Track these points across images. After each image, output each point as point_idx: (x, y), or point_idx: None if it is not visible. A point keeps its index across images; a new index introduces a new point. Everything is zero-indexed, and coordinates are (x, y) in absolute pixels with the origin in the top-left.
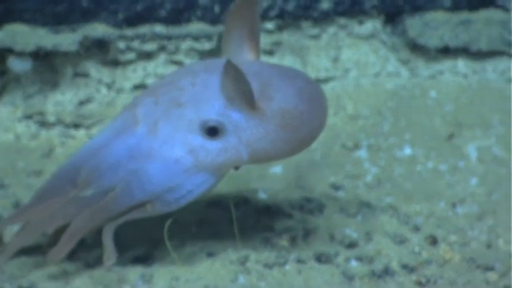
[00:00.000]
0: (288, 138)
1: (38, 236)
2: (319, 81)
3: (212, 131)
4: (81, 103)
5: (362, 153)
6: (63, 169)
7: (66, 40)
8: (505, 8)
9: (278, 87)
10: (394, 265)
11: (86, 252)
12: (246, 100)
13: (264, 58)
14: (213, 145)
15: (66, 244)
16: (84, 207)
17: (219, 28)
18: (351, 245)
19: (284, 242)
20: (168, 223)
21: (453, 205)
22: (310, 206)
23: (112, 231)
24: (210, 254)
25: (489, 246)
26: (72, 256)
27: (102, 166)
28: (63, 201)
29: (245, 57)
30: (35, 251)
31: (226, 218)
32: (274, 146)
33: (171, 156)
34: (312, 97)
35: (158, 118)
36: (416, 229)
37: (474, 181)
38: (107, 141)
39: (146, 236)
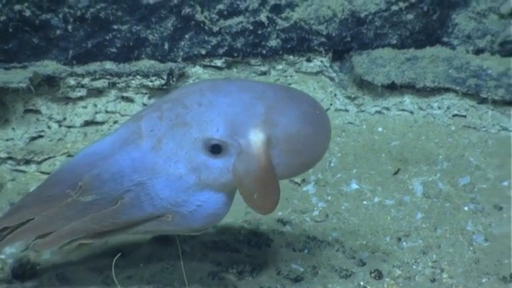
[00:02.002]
0: (291, 162)
1: (34, 236)
2: None
3: (216, 149)
4: (32, 139)
5: (310, 188)
6: (63, 172)
7: (17, 76)
8: (450, 46)
9: (283, 110)
10: None
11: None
12: None
13: None
14: (216, 164)
15: (59, 239)
16: (84, 211)
17: (169, 65)
18: (298, 279)
19: (231, 276)
20: (115, 258)
21: (398, 240)
22: (258, 240)
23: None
24: None
25: (433, 280)
26: None
27: (104, 175)
28: (63, 203)
29: None
30: None
31: (173, 253)
32: (277, 168)
33: (174, 173)
34: (316, 120)
35: (162, 135)
36: (362, 263)
37: (419, 215)
38: (111, 150)
39: (98, 273)
